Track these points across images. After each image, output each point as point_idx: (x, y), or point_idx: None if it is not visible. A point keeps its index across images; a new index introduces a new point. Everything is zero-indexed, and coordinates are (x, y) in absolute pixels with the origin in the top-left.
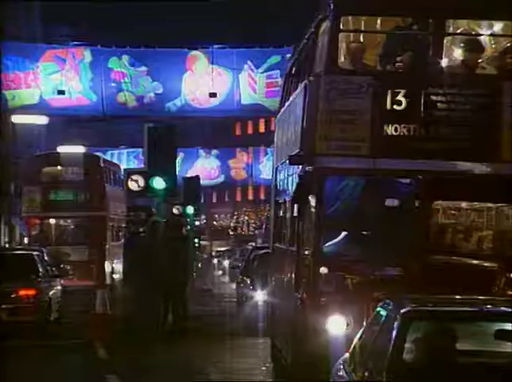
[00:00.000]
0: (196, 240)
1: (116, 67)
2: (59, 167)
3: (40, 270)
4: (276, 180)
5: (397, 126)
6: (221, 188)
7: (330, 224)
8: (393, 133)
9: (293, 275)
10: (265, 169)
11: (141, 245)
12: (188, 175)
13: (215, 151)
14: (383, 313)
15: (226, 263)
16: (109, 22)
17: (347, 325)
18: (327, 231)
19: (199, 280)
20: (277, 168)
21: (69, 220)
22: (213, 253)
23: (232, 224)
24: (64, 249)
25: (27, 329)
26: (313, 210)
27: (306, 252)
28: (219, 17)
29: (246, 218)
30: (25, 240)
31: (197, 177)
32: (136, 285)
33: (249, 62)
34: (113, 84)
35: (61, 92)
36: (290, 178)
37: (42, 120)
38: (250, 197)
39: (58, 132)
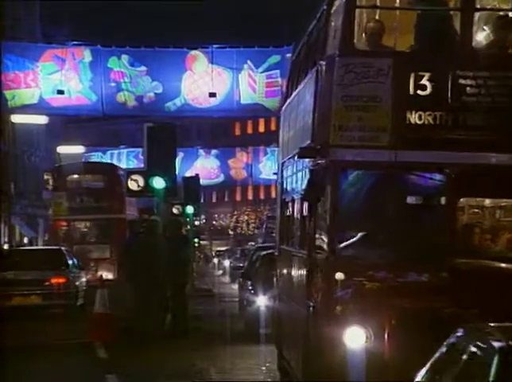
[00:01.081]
0: (196, 240)
1: (116, 66)
2: (82, 175)
3: (69, 262)
4: (282, 176)
5: (421, 113)
6: (221, 187)
7: (346, 224)
8: (417, 121)
9: (305, 281)
10: (265, 169)
11: (140, 245)
12: (188, 175)
13: (214, 151)
14: (464, 346)
15: (226, 262)
16: (108, 22)
17: (367, 338)
18: (343, 231)
19: (199, 280)
20: (283, 163)
21: (92, 222)
22: (213, 253)
23: (232, 224)
24: (88, 247)
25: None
26: (327, 208)
27: (319, 255)
28: (219, 16)
29: (246, 218)
30: (25, 240)
31: (197, 177)
32: (136, 285)
33: (248, 62)
34: (112, 84)
35: (61, 92)
36: (299, 174)
37: (42, 120)
38: (250, 197)
39: (58, 132)
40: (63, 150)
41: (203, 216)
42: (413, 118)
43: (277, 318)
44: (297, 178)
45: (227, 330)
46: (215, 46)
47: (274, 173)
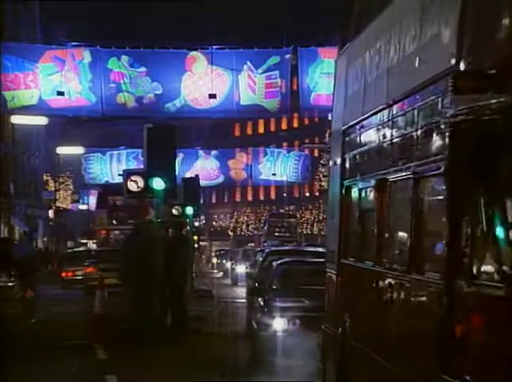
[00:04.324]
0: (195, 238)
1: (115, 67)
2: (118, 196)
3: None
4: (343, 151)
5: None
6: (220, 188)
7: None
8: None
9: (438, 331)
10: (265, 170)
11: (138, 245)
12: (188, 176)
13: (214, 152)
14: None
15: (228, 264)
16: (108, 22)
17: None
18: None
19: (198, 281)
20: (344, 131)
21: (126, 231)
22: (212, 253)
23: (231, 225)
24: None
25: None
26: (504, 194)
27: (481, 288)
28: (218, 17)
29: (246, 218)
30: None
31: (196, 178)
32: (135, 285)
33: (248, 63)
34: (112, 85)
35: (60, 93)
36: (403, 135)
37: (41, 121)
38: (250, 198)
39: (57, 133)
40: (62, 150)
41: (202, 217)
42: None
43: (337, 371)
44: (396, 145)
45: (232, 356)
46: (214, 47)
47: (273, 174)
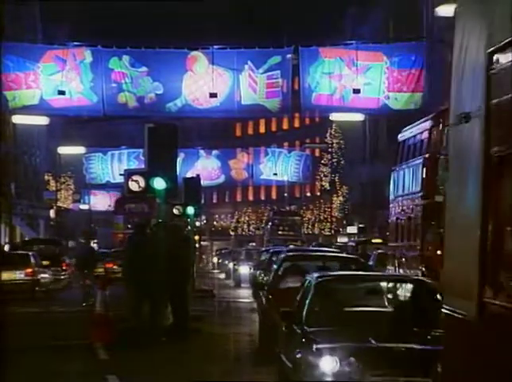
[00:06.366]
0: (197, 239)
1: (116, 67)
2: (133, 204)
3: None
4: (491, 94)
5: None
6: (221, 188)
7: None
8: None
9: None
10: (266, 170)
11: (141, 245)
12: (189, 175)
13: (215, 152)
14: None
15: (230, 265)
16: (109, 22)
17: None
18: None
19: (200, 281)
20: (493, 55)
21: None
22: (213, 253)
23: (232, 225)
24: None
25: None
26: None
27: None
28: (219, 17)
29: (247, 218)
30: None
31: (197, 178)
32: (136, 285)
33: (249, 62)
34: (113, 85)
35: (62, 93)
36: None
37: (43, 121)
38: (251, 198)
39: (58, 133)
40: (63, 150)
41: (203, 217)
42: None
43: None
44: None
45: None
46: (215, 47)
47: (274, 174)
